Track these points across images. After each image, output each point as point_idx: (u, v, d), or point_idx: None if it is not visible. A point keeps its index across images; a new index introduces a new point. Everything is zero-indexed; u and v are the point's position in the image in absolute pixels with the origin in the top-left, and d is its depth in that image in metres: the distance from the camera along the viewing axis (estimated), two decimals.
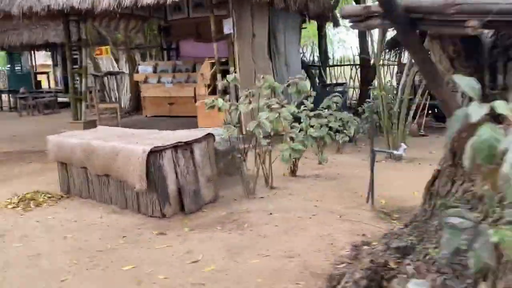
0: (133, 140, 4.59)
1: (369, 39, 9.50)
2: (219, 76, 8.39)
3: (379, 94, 6.24)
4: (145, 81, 11.81)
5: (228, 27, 7.97)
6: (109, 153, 4.45)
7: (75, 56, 17.23)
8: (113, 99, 14.98)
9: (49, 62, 27.81)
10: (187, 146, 4.38)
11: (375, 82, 11.19)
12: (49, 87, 19.07)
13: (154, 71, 11.94)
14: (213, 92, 9.01)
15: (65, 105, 16.53)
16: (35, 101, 14.98)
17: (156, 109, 11.71)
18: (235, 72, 8.14)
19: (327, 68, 12.57)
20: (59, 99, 15.96)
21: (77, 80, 16.22)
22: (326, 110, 5.74)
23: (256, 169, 4.80)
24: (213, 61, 8.59)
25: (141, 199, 4.36)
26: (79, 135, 5.24)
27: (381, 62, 11.35)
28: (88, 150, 4.68)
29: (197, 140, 4.46)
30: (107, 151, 4.47)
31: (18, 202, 4.93)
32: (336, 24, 12.06)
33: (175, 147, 4.28)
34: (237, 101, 5.64)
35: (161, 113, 11.64)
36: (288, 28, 10.78)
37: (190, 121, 10.88)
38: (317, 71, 12.40)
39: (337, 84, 10.05)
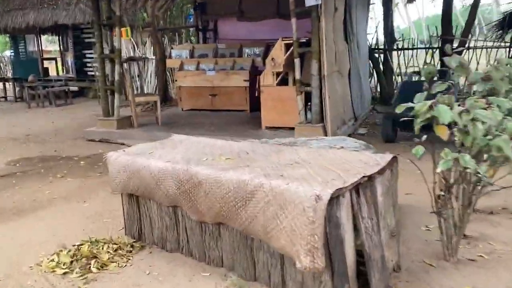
0: (265, 166, 2.78)
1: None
2: (296, 61, 6.55)
3: None
4: (180, 68, 9.93)
5: None
6: (232, 192, 2.65)
7: (87, 40, 15.36)
8: (134, 88, 13.10)
9: (50, 47, 25.85)
10: (367, 182, 2.58)
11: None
12: (58, 74, 17.15)
13: (191, 56, 10.07)
14: (282, 81, 7.16)
15: (77, 94, 14.70)
16: (46, 91, 13.09)
17: (195, 101, 9.85)
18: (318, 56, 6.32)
19: (394, 53, 10.68)
20: (71, 88, 14.09)
21: (93, 66, 14.37)
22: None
23: (459, 210, 2.97)
24: (287, 42, 6.73)
25: (289, 271, 2.58)
26: (157, 152, 3.42)
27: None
28: (190, 183, 2.88)
29: (380, 171, 2.66)
30: (229, 188, 2.66)
31: (72, 262, 3.13)
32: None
33: (357, 186, 2.47)
34: None
35: (201, 106, 9.80)
36: (359, 2, 8.91)
37: (240, 116, 9.05)
38: (382, 55, 10.54)
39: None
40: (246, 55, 9.66)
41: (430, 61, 9.99)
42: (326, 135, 6.52)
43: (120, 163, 3.38)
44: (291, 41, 6.59)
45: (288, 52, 6.69)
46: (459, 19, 21.70)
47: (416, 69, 10.33)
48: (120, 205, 3.72)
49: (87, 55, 15.27)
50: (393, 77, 10.51)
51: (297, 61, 6.54)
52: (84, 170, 5.94)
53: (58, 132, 8.75)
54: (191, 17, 17.39)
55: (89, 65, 15.28)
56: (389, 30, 10.36)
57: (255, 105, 9.38)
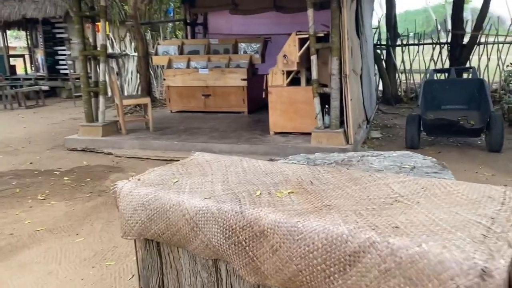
0: (357, 208, 1.97)
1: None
2: (313, 59, 5.75)
3: None
4: (169, 65, 9.01)
5: None
6: (320, 251, 1.83)
7: (59, 36, 14.17)
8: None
9: (15, 43, 24.23)
10: None
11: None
12: (26, 73, 15.86)
13: (180, 53, 9.15)
14: (293, 81, 6.36)
15: (49, 94, 13.53)
16: (14, 91, 11.90)
17: (186, 102, 8.97)
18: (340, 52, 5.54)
19: (397, 48, 10.00)
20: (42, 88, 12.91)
21: (67, 64, 13.15)
22: None
23: None
24: (302, 36, 5.92)
25: None
26: (185, 181, 2.56)
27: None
28: (247, 233, 2.04)
29: None
30: (314, 244, 1.84)
31: None
32: None
33: None
34: None
35: (192, 107, 8.93)
36: None
37: (239, 119, 8.17)
38: (384, 51, 9.87)
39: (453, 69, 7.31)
40: (242, 51, 8.81)
41: (438, 57, 9.38)
42: (347, 142, 5.79)
43: (137, 198, 2.49)
44: (306, 36, 5.80)
45: (303, 49, 5.88)
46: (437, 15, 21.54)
47: (422, 66, 9.73)
48: (123, 241, 2.87)
49: (60, 52, 14.10)
50: (397, 74, 9.87)
51: (314, 58, 5.75)
52: (69, 189, 4.99)
53: (32, 139, 7.70)
54: (171, 11, 16.38)
55: (62, 62, 14.11)
56: (392, 24, 9.69)
57: (253, 106, 8.59)
